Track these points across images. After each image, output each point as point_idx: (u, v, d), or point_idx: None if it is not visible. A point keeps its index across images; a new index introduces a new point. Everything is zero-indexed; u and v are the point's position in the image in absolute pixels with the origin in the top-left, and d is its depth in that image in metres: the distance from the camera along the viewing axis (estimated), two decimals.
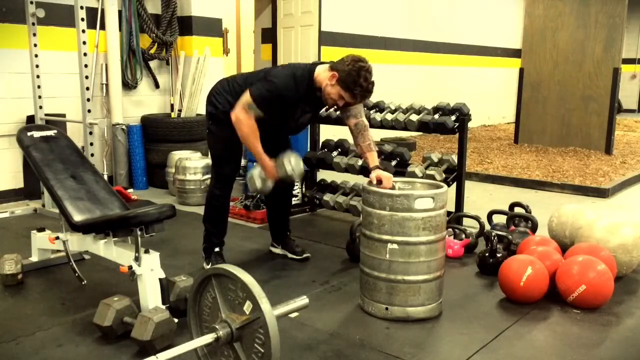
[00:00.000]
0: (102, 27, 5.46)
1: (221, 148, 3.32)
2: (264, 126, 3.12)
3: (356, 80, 2.91)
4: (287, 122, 3.28)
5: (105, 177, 5.44)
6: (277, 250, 3.71)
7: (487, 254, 3.38)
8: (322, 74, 3.04)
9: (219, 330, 2.02)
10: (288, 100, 3.07)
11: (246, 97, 3.02)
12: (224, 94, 3.23)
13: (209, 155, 3.54)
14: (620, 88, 7.87)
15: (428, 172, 4.02)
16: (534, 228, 3.80)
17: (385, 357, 2.41)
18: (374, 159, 3.16)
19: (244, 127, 3.04)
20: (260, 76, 3.13)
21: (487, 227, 3.89)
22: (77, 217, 2.87)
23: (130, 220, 2.64)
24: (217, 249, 3.40)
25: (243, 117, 3.02)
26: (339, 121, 4.29)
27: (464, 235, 3.73)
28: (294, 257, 3.61)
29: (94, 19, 5.38)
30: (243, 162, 4.84)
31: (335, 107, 3.25)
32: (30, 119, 4.88)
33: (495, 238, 3.37)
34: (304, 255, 3.61)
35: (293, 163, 3.12)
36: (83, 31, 4.09)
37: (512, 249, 3.45)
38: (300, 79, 3.04)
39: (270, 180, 3.17)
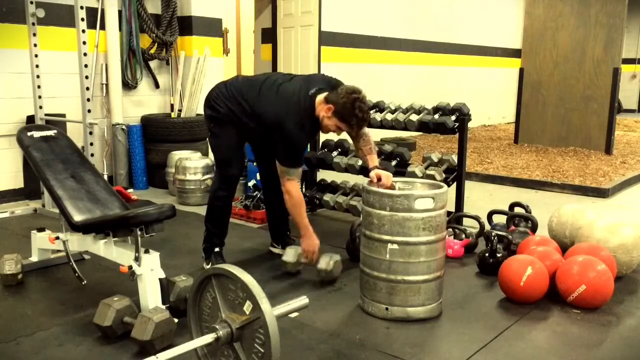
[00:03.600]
0: (102, 27, 5.46)
1: (225, 149, 3.33)
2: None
3: (351, 112, 2.98)
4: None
5: (105, 177, 5.44)
6: (277, 250, 3.70)
7: (487, 254, 3.38)
8: (319, 106, 3.09)
9: (219, 330, 2.02)
10: (307, 142, 3.27)
11: (281, 169, 3.13)
12: (222, 99, 3.24)
13: (212, 158, 3.55)
14: (620, 88, 7.87)
15: (428, 172, 4.02)
16: (534, 228, 3.79)
17: (385, 357, 2.41)
18: (373, 160, 3.21)
19: (293, 198, 3.18)
20: (270, 116, 3.12)
21: (487, 227, 3.89)
22: (77, 217, 2.87)
23: (130, 220, 2.64)
24: (217, 249, 3.40)
25: (292, 188, 3.16)
26: None
27: (464, 235, 3.73)
28: None
29: (94, 19, 5.38)
30: None
31: None
32: (30, 119, 4.88)
33: (495, 238, 3.37)
34: None
35: (336, 264, 3.21)
36: (83, 31, 4.09)
37: (512, 249, 3.45)
38: (308, 123, 3.09)
39: (304, 261, 3.30)
